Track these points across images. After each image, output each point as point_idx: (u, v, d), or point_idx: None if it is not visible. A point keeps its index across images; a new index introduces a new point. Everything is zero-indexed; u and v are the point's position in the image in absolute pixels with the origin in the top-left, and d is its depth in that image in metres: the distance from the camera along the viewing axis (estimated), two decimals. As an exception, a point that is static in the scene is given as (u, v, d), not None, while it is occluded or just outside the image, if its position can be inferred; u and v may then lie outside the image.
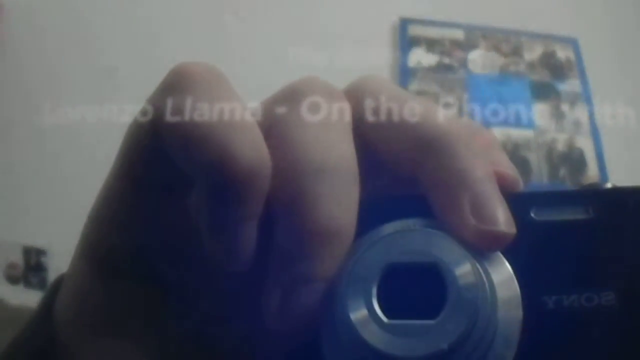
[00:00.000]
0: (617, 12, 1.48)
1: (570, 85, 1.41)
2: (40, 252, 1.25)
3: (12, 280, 1.25)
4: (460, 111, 1.36)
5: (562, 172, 1.33)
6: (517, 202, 0.19)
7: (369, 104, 0.20)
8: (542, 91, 1.40)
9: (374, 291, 0.18)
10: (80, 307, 0.21)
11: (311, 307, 0.18)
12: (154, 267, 0.21)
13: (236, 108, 0.19)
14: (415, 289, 0.18)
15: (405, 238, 0.18)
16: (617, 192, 0.20)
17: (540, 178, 1.31)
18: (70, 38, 1.35)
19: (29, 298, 1.15)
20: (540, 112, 1.38)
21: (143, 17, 1.39)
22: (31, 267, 1.25)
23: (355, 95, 0.20)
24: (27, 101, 1.28)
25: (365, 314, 0.18)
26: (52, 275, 1.22)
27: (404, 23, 1.46)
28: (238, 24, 1.39)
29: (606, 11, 1.48)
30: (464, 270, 0.18)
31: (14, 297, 1.21)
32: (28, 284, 1.25)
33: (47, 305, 0.22)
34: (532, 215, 0.19)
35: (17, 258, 1.26)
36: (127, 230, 0.21)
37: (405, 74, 1.40)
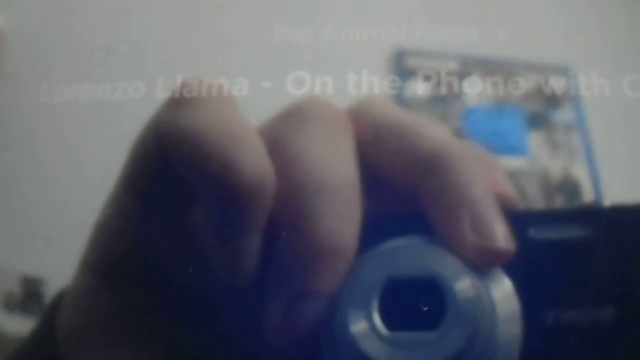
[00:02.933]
0: (611, 40, 1.49)
1: (564, 113, 1.42)
2: (38, 281, 1.24)
3: (10, 308, 1.25)
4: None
5: (558, 199, 1.33)
6: (516, 220, 0.19)
7: (370, 122, 0.20)
8: (537, 120, 1.41)
9: (375, 304, 0.18)
10: (84, 319, 0.21)
11: (312, 322, 0.18)
12: (158, 279, 0.21)
13: (241, 123, 0.19)
14: (416, 303, 0.18)
15: (406, 253, 0.19)
16: (616, 210, 0.20)
17: (536, 206, 1.31)
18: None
19: (26, 326, 1.14)
20: (534, 140, 1.38)
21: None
22: (29, 296, 1.25)
23: (357, 114, 0.20)
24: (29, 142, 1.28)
25: (366, 326, 0.18)
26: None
27: (400, 54, 1.47)
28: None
29: (600, 38, 1.49)
30: (463, 284, 0.18)
31: (11, 325, 1.20)
32: (26, 312, 1.24)
33: (48, 321, 0.22)
34: (531, 234, 0.19)
35: (15, 286, 1.25)
36: (132, 241, 0.21)
37: (400, 105, 1.41)
